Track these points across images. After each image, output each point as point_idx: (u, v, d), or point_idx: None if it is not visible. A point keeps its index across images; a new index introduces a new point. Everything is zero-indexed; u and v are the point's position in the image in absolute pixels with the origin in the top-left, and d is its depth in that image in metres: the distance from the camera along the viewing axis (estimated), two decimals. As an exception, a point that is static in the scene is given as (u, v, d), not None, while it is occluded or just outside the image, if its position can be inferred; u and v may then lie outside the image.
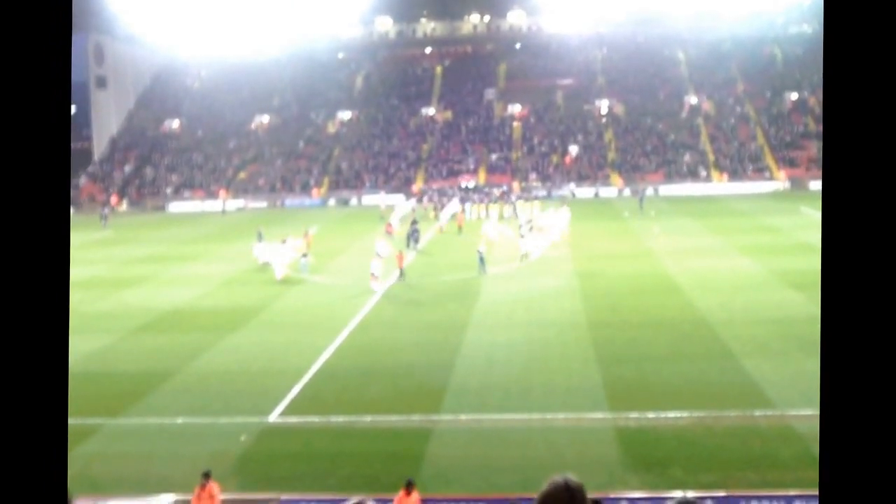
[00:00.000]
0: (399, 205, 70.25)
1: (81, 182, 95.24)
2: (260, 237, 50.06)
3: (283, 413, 21.83)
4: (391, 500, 15.44)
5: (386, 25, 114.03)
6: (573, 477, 3.49)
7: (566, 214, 52.69)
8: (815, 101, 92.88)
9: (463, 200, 71.60)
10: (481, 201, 72.32)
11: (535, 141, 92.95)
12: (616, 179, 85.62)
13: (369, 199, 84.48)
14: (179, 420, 21.68)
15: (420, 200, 76.14)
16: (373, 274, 38.21)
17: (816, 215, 57.76)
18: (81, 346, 29.31)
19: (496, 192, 77.63)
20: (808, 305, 31.15)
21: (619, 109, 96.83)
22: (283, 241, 45.80)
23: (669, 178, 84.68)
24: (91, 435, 20.80)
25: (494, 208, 68.79)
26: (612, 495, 16.10)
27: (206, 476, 15.82)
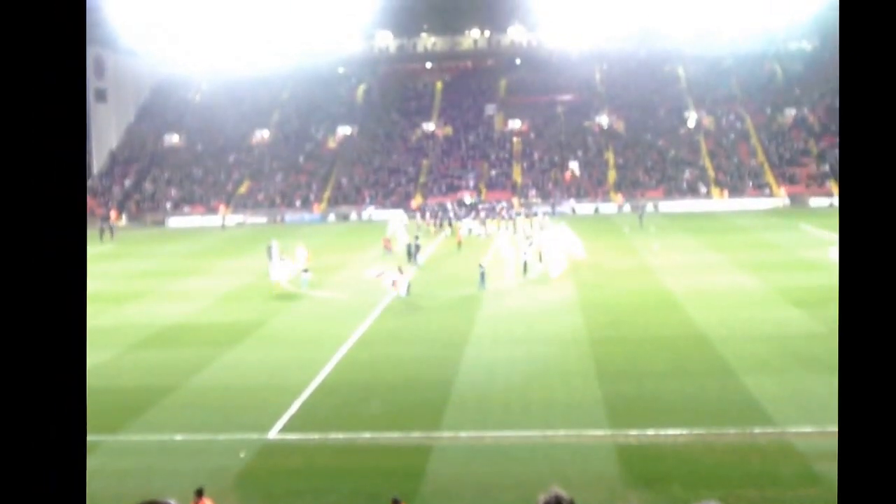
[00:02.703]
0: (396, 219, 69.99)
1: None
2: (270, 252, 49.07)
3: (283, 429, 21.78)
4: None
5: (386, 40, 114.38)
6: (563, 492, 3.47)
7: (568, 232, 51.15)
8: (815, 118, 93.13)
9: (460, 216, 71.79)
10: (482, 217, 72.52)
11: (536, 157, 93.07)
12: (616, 196, 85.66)
13: (369, 214, 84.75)
14: (178, 436, 21.63)
15: (424, 216, 76.07)
16: (394, 282, 38.49)
17: (816, 232, 57.82)
18: (81, 361, 29.21)
19: (497, 208, 77.75)
20: (807, 322, 31.20)
21: (619, 125, 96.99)
22: (282, 256, 45.89)
23: (669, 194, 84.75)
24: (90, 452, 20.72)
25: (493, 224, 68.84)
26: (612, 513, 16.06)
27: (199, 493, 15.76)
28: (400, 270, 41.75)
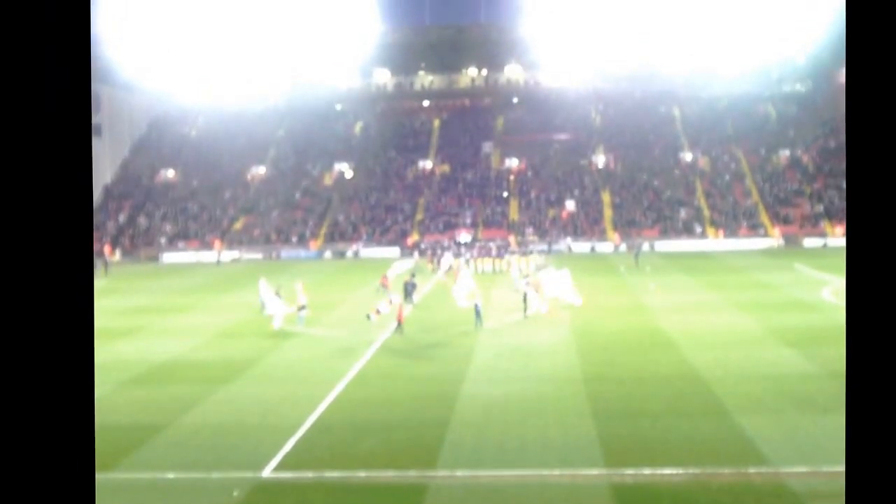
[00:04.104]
0: (396, 258, 70.05)
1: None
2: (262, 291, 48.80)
3: (277, 468, 21.63)
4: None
5: (384, 78, 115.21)
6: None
7: (567, 280, 48.96)
8: (809, 159, 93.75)
9: (458, 254, 71.77)
10: (478, 255, 72.44)
11: (532, 195, 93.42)
12: (612, 234, 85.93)
13: (365, 251, 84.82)
14: (171, 475, 21.45)
15: (423, 254, 76.18)
16: (378, 311, 38.82)
17: (810, 272, 57.93)
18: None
19: (492, 246, 77.81)
20: (802, 362, 31.19)
21: (616, 165, 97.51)
22: (277, 293, 45.62)
23: (665, 233, 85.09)
24: (82, 488, 20.55)
25: (482, 262, 68.84)
26: (607, 555, 15.93)
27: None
28: (400, 305, 42.13)
